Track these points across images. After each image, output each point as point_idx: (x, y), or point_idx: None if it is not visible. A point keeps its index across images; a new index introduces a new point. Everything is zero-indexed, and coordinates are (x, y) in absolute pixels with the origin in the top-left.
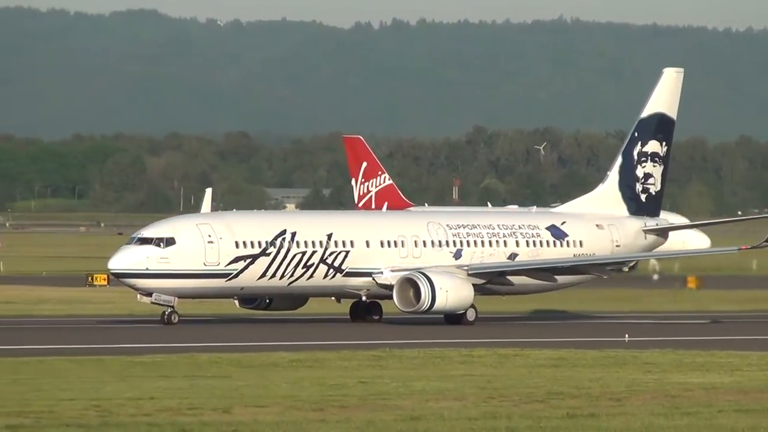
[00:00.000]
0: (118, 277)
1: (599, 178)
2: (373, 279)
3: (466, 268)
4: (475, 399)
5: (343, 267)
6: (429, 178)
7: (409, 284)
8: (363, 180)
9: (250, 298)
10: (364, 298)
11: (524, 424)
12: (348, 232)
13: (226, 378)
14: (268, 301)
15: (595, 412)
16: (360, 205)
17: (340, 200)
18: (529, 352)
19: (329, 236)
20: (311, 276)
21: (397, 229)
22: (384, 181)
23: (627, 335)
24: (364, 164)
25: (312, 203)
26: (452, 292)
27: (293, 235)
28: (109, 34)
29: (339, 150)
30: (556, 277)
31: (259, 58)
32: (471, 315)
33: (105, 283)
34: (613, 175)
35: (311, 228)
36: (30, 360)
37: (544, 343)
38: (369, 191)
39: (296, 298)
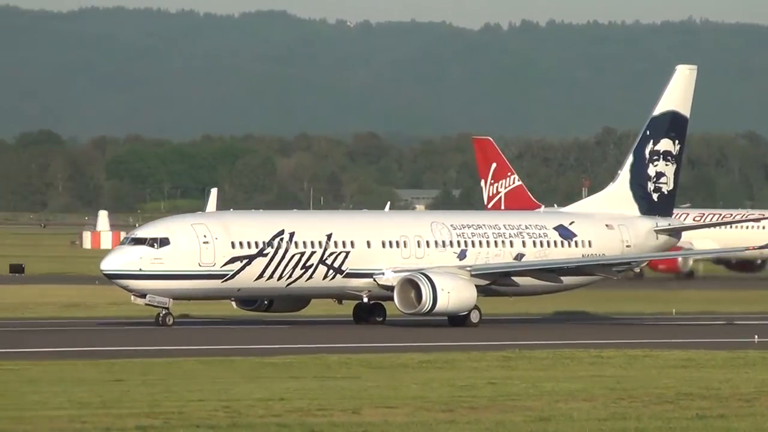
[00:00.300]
0: (110, 279)
1: (729, 180)
2: (374, 280)
3: (468, 268)
4: (605, 400)
5: (343, 268)
6: (558, 179)
7: (410, 285)
8: (492, 181)
9: (249, 300)
10: (365, 300)
11: (653, 425)
12: (348, 232)
13: (356, 379)
14: (267, 302)
15: (725, 413)
16: (489, 206)
17: (470, 201)
18: (659, 353)
19: (329, 236)
20: (310, 277)
21: (399, 229)
22: (513, 182)
23: (756, 336)
24: (494, 165)
25: (442, 204)
26: (454, 293)
27: (291, 235)
28: (239, 35)
29: (468, 151)
30: (563, 278)
31: (388, 59)
32: (475, 317)
33: None
34: (624, 174)
35: (310, 228)
36: (160, 361)
37: (674, 344)
38: (498, 192)
39: (298, 300)
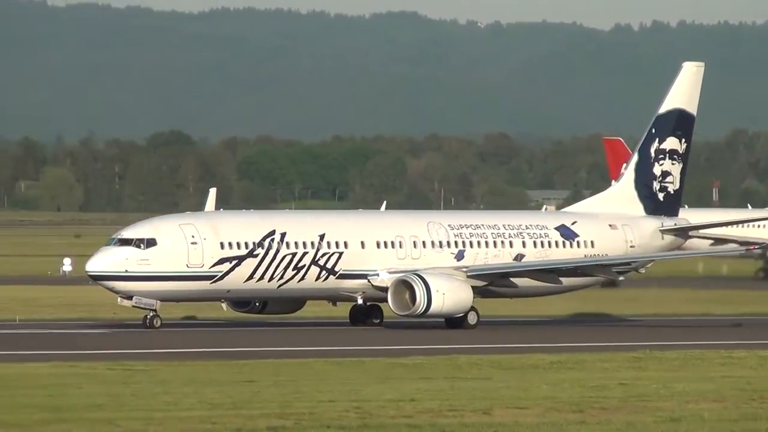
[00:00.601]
0: (95, 280)
1: None
2: (369, 281)
3: (464, 269)
4: (735, 400)
5: (336, 269)
6: (688, 180)
7: (405, 286)
8: None
9: (242, 302)
10: (360, 301)
11: None
12: (341, 232)
13: (487, 380)
14: (261, 304)
15: None
16: None
17: None
18: None
19: (321, 237)
20: (302, 278)
21: (394, 229)
22: None
23: None
24: (624, 166)
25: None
26: (449, 294)
27: (283, 235)
28: (369, 35)
29: (599, 151)
30: (564, 279)
31: (519, 59)
32: (472, 318)
33: None
34: (629, 173)
35: (302, 228)
36: (290, 362)
37: None
38: None
39: (292, 302)
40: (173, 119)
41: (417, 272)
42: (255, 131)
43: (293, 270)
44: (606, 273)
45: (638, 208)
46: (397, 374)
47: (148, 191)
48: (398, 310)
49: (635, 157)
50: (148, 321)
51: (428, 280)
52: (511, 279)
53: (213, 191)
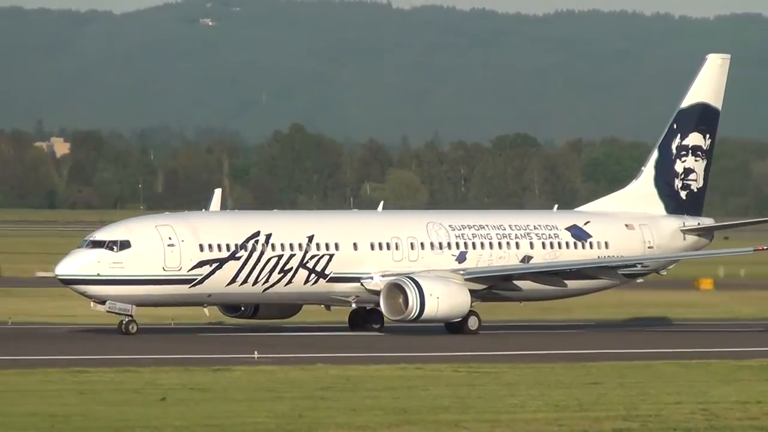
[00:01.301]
0: (66, 284)
1: None
2: (362, 285)
3: (461, 272)
4: None
5: (326, 272)
6: None
7: (398, 290)
8: None
9: (233, 306)
10: (354, 306)
11: None
12: (332, 233)
13: None
14: (251, 309)
15: None
16: None
17: None
18: None
19: (310, 238)
20: (290, 282)
21: (390, 230)
22: None
23: None
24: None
25: None
26: (445, 298)
27: (268, 237)
28: (712, 37)
29: None
30: (572, 282)
31: None
32: (473, 323)
33: (711, 287)
34: (648, 170)
35: (289, 229)
36: (636, 364)
37: None
38: None
39: (287, 306)
40: (518, 121)
41: (410, 275)
42: (600, 133)
43: (279, 273)
44: (611, 276)
45: (658, 207)
46: (743, 376)
47: (493, 193)
48: (391, 315)
49: (655, 154)
50: (123, 327)
51: (421, 283)
52: (515, 282)
53: (218, 192)
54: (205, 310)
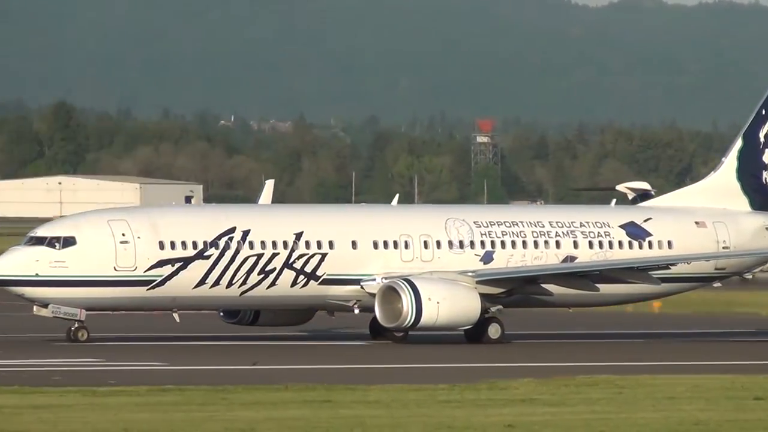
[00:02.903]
0: (1, 285)
1: None
2: (362, 287)
3: (470, 273)
4: None
5: (318, 273)
6: None
7: (394, 294)
8: None
9: (232, 311)
10: (357, 311)
11: None
12: (325, 230)
13: None
14: (252, 314)
15: None
16: None
17: None
18: None
19: (298, 235)
20: (273, 284)
21: (399, 226)
22: None
23: None
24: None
25: None
26: (447, 303)
27: (245, 234)
28: None
29: None
30: (604, 286)
31: None
32: (494, 332)
33: None
34: (730, 161)
35: (271, 225)
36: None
37: None
38: None
39: (295, 312)
40: None
41: (408, 277)
42: None
43: (260, 274)
44: (642, 279)
45: (742, 202)
46: None
47: None
48: (386, 322)
49: (739, 143)
50: (71, 334)
51: (419, 285)
52: (543, 286)
53: (270, 183)
54: (175, 315)
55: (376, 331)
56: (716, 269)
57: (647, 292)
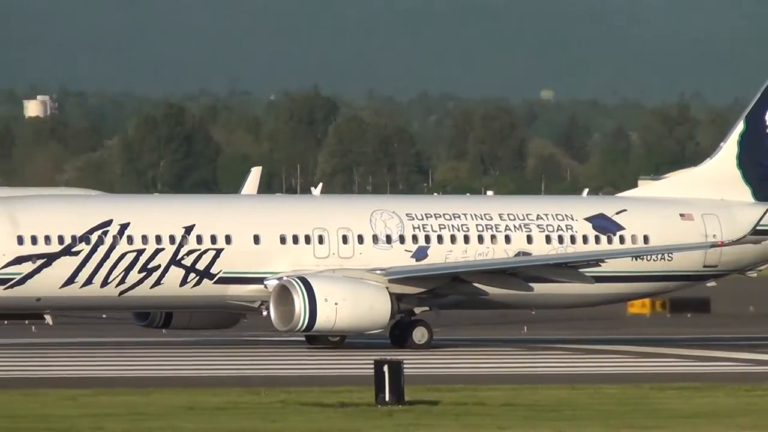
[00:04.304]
0: None
1: None
2: (266, 287)
3: (379, 272)
4: None
5: (213, 271)
6: None
7: (288, 294)
8: None
9: (143, 313)
10: (265, 313)
11: None
12: (221, 223)
13: None
14: (163, 316)
15: None
16: None
17: None
18: None
19: (188, 229)
20: (157, 283)
21: (313, 219)
22: None
23: None
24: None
25: None
26: (348, 304)
27: (123, 227)
28: None
29: None
30: (539, 285)
31: None
32: (420, 336)
33: None
34: (729, 147)
35: (156, 218)
36: None
37: None
38: None
39: (214, 315)
40: None
41: (304, 275)
42: None
43: (141, 272)
44: (571, 277)
45: (743, 192)
46: None
47: None
48: (280, 325)
49: (740, 126)
50: None
51: (314, 284)
52: (476, 285)
53: (256, 170)
54: (47, 317)
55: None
56: (705, 266)
57: (623, 292)
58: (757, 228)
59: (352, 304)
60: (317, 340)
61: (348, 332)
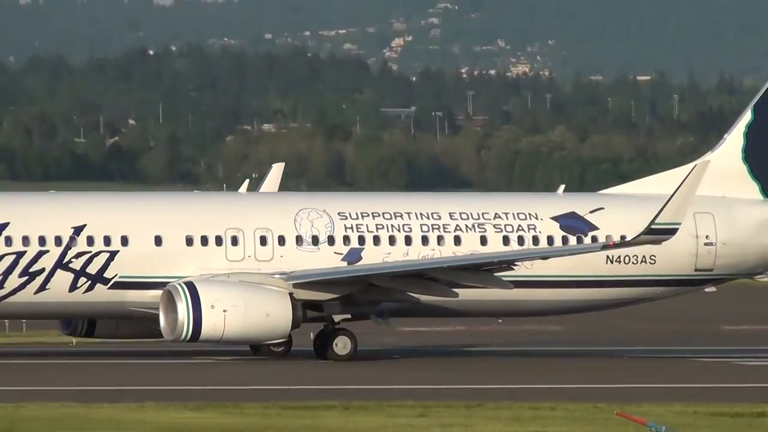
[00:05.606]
0: None
1: None
2: None
3: (279, 276)
4: None
5: (107, 275)
6: None
7: (172, 300)
8: None
9: (66, 321)
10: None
11: None
12: (116, 222)
13: None
14: (86, 324)
15: None
16: None
17: None
18: None
19: (78, 229)
20: (42, 288)
21: (225, 218)
22: None
23: None
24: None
25: None
26: (239, 312)
27: (1, 227)
28: None
29: None
30: (466, 291)
31: None
32: (342, 347)
33: None
34: (735, 139)
35: (39, 217)
36: None
37: None
38: None
39: (143, 323)
40: None
41: (191, 279)
42: None
43: (22, 277)
44: (484, 281)
45: (750, 188)
46: None
47: None
48: (168, 334)
49: (747, 116)
50: None
51: (200, 290)
52: (400, 291)
53: (278, 166)
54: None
55: (255, 346)
56: (698, 270)
57: (596, 299)
58: (653, 227)
59: (243, 311)
60: (260, 350)
61: (240, 342)
